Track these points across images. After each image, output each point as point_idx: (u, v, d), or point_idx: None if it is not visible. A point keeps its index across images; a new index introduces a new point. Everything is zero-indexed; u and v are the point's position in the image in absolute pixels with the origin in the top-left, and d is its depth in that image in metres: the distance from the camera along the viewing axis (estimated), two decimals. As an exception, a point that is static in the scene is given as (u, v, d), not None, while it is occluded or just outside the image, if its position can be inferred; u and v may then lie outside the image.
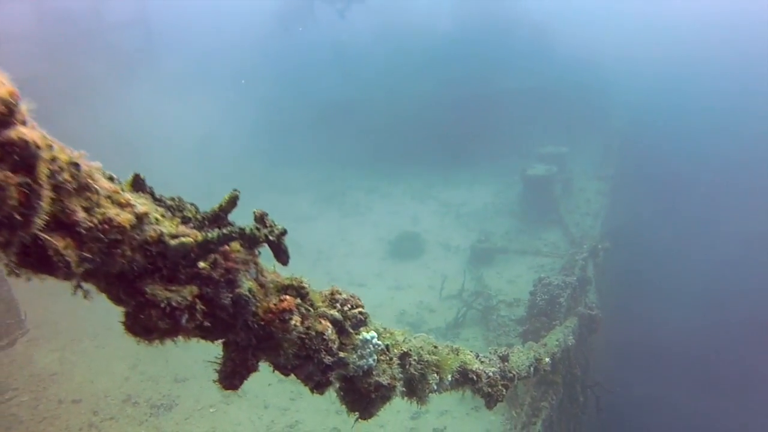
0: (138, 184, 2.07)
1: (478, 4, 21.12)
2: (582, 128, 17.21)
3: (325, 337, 2.31)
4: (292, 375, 2.70)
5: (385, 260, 13.44)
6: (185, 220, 2.07)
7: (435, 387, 3.64)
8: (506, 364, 5.19)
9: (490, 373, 4.44)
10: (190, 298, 1.94)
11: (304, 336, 2.27)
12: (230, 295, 1.97)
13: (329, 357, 2.33)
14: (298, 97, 20.33)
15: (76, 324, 10.12)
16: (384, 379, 2.71)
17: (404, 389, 3.39)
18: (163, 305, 1.92)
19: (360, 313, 2.47)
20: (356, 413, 2.96)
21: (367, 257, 13.48)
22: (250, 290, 2.00)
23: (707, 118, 20.88)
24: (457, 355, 4.04)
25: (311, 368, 2.36)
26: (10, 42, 16.09)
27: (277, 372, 2.49)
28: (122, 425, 8.20)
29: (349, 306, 2.44)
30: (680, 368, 12.43)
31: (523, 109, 17.41)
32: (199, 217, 2.10)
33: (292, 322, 2.12)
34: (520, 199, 14.20)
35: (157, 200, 2.08)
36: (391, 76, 20.20)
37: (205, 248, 1.94)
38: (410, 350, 3.13)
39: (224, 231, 1.96)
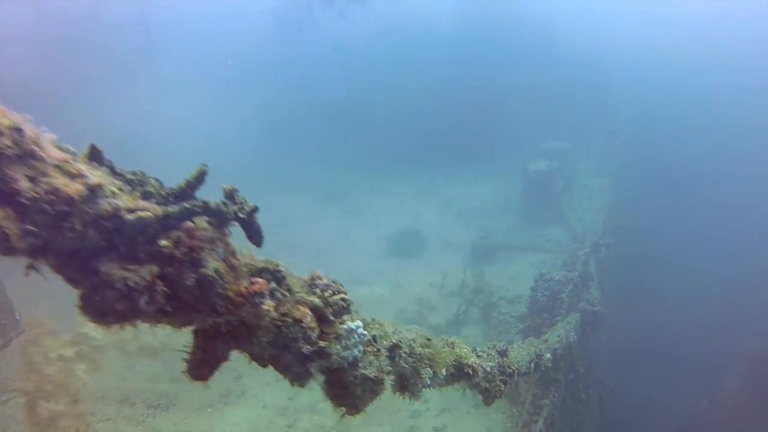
0: (95, 156, 1.91)
1: (480, 1, 20.97)
2: (585, 124, 17.03)
3: (303, 324, 2.15)
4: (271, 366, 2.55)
5: (385, 258, 13.31)
6: (147, 195, 1.91)
7: (428, 382, 3.46)
8: (505, 359, 5.01)
9: (488, 368, 4.27)
10: (149, 279, 1.78)
11: (279, 323, 2.12)
12: (194, 276, 1.81)
13: (308, 346, 2.16)
14: (299, 96, 20.22)
15: (72, 325, 9.99)
16: (371, 372, 2.54)
17: (395, 383, 3.23)
18: (119, 286, 1.77)
19: (342, 299, 2.30)
20: (342, 409, 2.79)
21: (367, 255, 13.35)
22: (216, 271, 1.84)
23: (713, 115, 20.66)
24: (453, 348, 3.86)
25: (289, 358, 2.21)
26: (8, 44, 16.05)
27: (254, 363, 2.33)
28: (119, 426, 8.07)
29: (330, 292, 2.28)
30: (683, 368, 12.20)
31: (525, 105, 17.25)
32: (163, 192, 1.95)
33: (265, 307, 1.96)
34: (522, 195, 14.02)
35: (117, 173, 1.92)
36: (393, 75, 20.09)
37: (165, 224, 1.78)
38: (400, 342, 2.96)
39: (186, 205, 1.81)
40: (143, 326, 3.61)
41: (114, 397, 8.52)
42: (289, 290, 2.16)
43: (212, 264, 1.84)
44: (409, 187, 17.04)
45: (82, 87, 15.77)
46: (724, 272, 14.61)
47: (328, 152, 18.47)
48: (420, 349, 3.37)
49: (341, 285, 2.33)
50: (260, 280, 1.95)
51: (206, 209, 1.82)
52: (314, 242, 13.49)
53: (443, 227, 14.40)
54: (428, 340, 3.48)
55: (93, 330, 2.26)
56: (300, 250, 12.60)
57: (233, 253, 2.03)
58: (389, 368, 2.83)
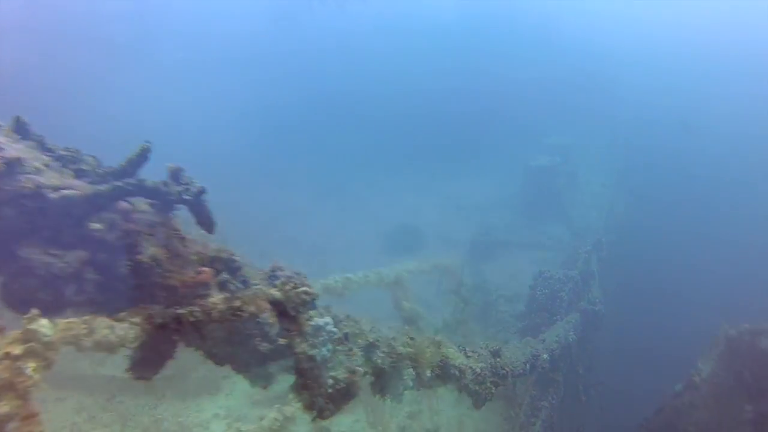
0: (21, 129, 1.72)
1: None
2: (588, 120, 16.77)
3: (260, 320, 1.95)
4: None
5: (383, 254, 13.07)
6: (81, 174, 1.72)
7: (411, 383, 3.26)
8: (498, 360, 4.82)
9: (478, 370, 4.07)
10: (76, 265, 1.59)
11: (233, 318, 1.92)
12: (129, 263, 1.62)
13: (266, 344, 1.96)
14: (298, 89, 20.02)
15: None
16: (341, 373, 2.34)
17: (373, 385, 3.02)
18: (41, 273, 1.58)
19: (305, 293, 2.10)
20: (313, 412, 2.59)
21: (365, 251, 13.11)
22: (154, 257, 1.64)
23: (717, 117, 20.37)
24: (439, 348, 3.67)
25: (246, 357, 2.01)
26: (5, 33, 15.91)
27: (210, 361, 2.13)
28: (106, 424, 7.90)
29: (292, 285, 2.08)
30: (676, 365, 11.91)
31: (527, 99, 16.99)
32: (100, 171, 1.75)
33: (212, 300, 1.76)
34: (523, 191, 13.75)
35: (47, 149, 1.73)
36: (393, 70, 19.87)
37: (94, 204, 1.59)
38: (378, 341, 2.76)
39: (118, 184, 1.61)
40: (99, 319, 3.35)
41: (101, 395, 8.36)
42: (245, 282, 1.96)
43: (150, 250, 1.64)
44: (408, 183, 16.81)
45: (78, 78, 15.63)
46: (723, 270, 14.33)
47: (326, 146, 18.28)
48: (402, 348, 3.17)
49: (305, 277, 2.12)
50: (207, 269, 1.75)
51: (141, 188, 1.62)
52: (310, 237, 13.29)
53: (442, 223, 14.17)
54: (411, 339, 3.28)
55: (43, 326, 2.09)
56: (295, 245, 12.42)
57: (181, 239, 1.83)
58: (364, 369, 2.63)
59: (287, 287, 2.03)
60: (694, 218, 15.74)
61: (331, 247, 13.15)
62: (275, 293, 1.99)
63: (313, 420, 2.63)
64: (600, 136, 16.54)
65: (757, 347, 4.01)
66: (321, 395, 2.38)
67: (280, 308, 2.04)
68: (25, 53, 15.58)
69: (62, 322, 2.10)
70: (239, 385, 8.23)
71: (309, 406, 2.48)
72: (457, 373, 3.56)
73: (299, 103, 19.42)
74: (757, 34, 24.79)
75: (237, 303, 1.77)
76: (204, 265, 1.81)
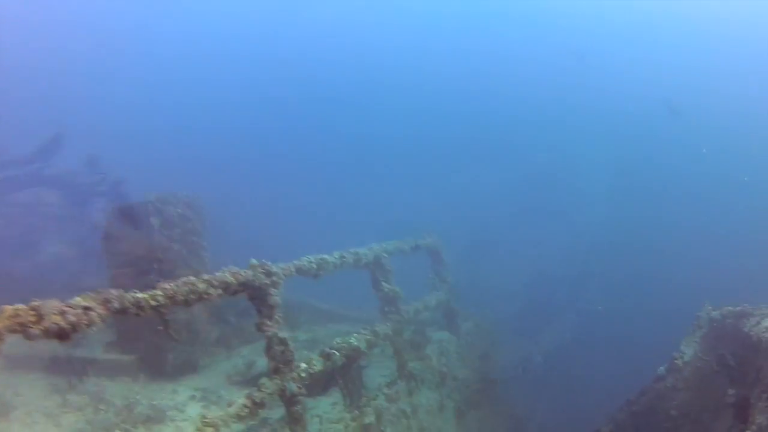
0: None
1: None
2: (588, 117, 16.52)
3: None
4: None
5: (379, 252, 12.85)
6: (-21, 162, 1.52)
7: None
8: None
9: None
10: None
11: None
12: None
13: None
14: (299, 86, 19.81)
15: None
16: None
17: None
18: None
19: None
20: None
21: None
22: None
23: (717, 115, 20.12)
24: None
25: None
26: (6, 27, 15.80)
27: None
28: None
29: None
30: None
31: (527, 97, 16.76)
32: (2, 159, 1.56)
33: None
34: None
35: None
36: (393, 67, 19.68)
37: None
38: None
39: (10, 173, 1.41)
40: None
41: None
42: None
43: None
44: (405, 180, 16.62)
45: (74, 72, 15.51)
46: (722, 265, 14.10)
47: (324, 143, 18.10)
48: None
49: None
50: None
51: (40, 179, 1.43)
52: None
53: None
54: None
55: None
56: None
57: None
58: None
59: (241, 274, 1.83)
60: (693, 214, 15.51)
61: (326, 244, 12.92)
62: (230, 278, 1.79)
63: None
64: (599, 133, 16.30)
65: (741, 330, 3.85)
66: (293, 379, 2.18)
67: (217, 313, 1.84)
68: (28, 47, 15.48)
69: (8, 308, 1.89)
70: (217, 366, 8.00)
71: (280, 393, 2.27)
72: (439, 379, 3.38)
73: (299, 102, 19.23)
74: (756, 33, 24.53)
75: (201, 286, 1.56)
76: (130, 265, 1.61)
